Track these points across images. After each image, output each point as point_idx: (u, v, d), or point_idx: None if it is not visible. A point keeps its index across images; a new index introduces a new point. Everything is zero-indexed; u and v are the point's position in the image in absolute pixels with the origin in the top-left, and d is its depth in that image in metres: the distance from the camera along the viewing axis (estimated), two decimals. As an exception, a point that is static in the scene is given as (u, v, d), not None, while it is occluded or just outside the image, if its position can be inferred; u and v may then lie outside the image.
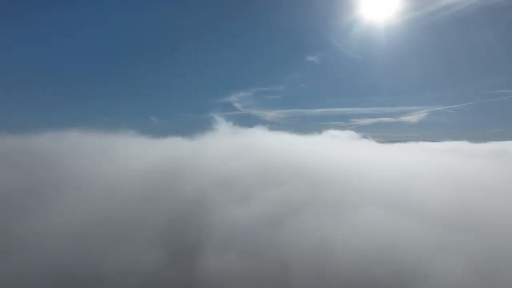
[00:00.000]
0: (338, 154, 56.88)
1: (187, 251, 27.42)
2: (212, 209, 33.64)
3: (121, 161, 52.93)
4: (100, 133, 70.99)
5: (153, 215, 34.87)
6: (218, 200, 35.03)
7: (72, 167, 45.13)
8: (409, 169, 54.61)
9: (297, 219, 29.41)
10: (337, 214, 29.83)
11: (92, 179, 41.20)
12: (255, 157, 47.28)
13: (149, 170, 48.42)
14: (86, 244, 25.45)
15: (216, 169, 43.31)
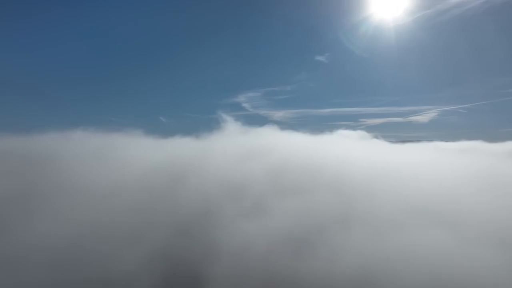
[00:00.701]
0: (358, 156, 49.84)
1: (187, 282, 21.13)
2: (219, 222, 27.30)
3: (123, 162, 48.25)
4: (104, 132, 67.31)
5: (151, 228, 29.01)
6: (226, 211, 28.64)
7: (72, 168, 40.96)
8: (440, 173, 47.52)
9: (325, 238, 22.74)
10: (375, 231, 23.06)
11: (90, 181, 37.58)
12: (267, 160, 40.73)
13: (151, 173, 43.16)
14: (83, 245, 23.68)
15: (224, 173, 36.98)
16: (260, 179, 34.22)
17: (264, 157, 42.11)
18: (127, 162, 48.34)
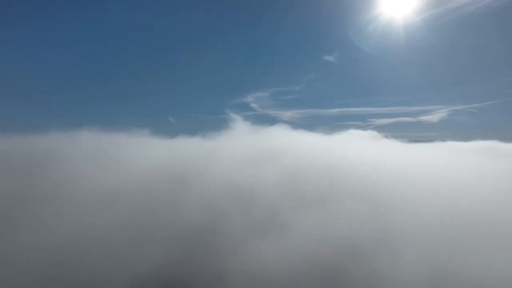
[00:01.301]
0: (379, 158, 43.85)
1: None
2: (226, 238, 22.21)
3: (124, 164, 44.49)
4: (108, 133, 63.70)
5: (148, 241, 24.38)
6: (234, 224, 23.46)
7: (71, 169, 37.80)
8: (471, 175, 41.71)
9: (363, 264, 17.35)
10: (427, 253, 17.55)
11: (88, 184, 34.16)
12: (280, 162, 35.22)
13: (153, 176, 38.78)
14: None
15: (232, 177, 31.63)
16: (274, 184, 28.85)
17: (276, 159, 36.63)
18: (128, 164, 45.12)
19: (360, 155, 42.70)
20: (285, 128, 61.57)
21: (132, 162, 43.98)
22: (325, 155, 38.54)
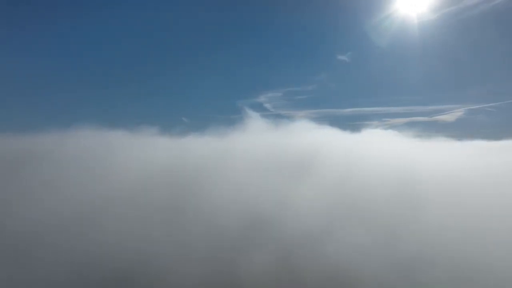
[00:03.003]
0: (443, 161, 31.87)
1: None
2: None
3: (122, 165, 35.72)
4: (112, 131, 55.71)
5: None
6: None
7: (62, 170, 32.70)
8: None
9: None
10: None
11: (80, 186, 28.65)
12: (319, 172, 23.38)
13: (151, 183, 29.20)
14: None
15: (253, 205, 19.81)
16: (317, 211, 17.24)
17: (311, 166, 24.90)
18: (124, 166, 35.85)
19: (419, 160, 30.51)
20: (309, 124, 49.40)
21: (130, 164, 36.19)
22: (376, 160, 26.34)
